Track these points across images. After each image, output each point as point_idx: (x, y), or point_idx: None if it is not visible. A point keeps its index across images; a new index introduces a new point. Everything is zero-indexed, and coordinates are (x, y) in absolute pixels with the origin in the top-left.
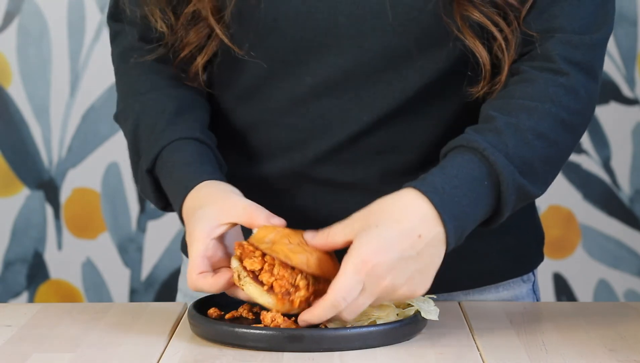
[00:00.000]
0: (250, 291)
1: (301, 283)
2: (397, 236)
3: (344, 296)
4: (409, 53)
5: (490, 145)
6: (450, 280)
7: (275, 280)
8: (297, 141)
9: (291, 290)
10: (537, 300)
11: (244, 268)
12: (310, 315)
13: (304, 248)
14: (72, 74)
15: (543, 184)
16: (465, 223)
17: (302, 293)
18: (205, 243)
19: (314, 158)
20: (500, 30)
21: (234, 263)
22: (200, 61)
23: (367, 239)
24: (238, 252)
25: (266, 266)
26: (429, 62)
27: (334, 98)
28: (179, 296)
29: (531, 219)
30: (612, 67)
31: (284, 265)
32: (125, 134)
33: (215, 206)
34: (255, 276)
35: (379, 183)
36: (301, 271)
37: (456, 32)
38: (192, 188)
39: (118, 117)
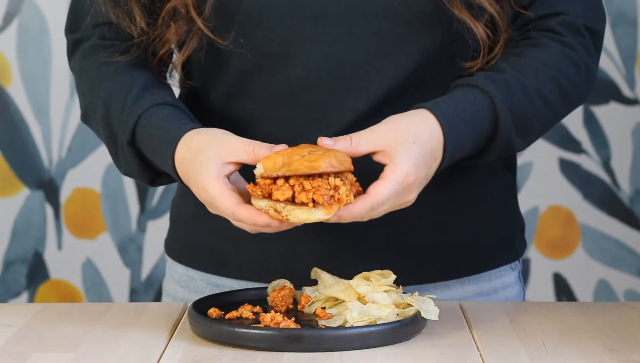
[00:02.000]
0: (299, 215)
1: (337, 181)
2: (427, 156)
3: (384, 201)
4: (400, 38)
5: (501, 95)
6: (449, 267)
7: (314, 193)
8: (292, 135)
9: (332, 193)
10: (523, 288)
11: (277, 201)
12: (350, 213)
13: (317, 154)
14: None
15: (528, 142)
16: (456, 156)
17: (343, 189)
18: (221, 180)
19: None
20: (500, 6)
21: (261, 203)
22: (181, 58)
23: (411, 154)
24: (258, 191)
25: (297, 188)
26: (420, 45)
27: (327, 88)
28: (164, 298)
29: (516, 210)
30: (612, 67)
31: (311, 177)
32: (97, 126)
33: (215, 148)
34: (292, 202)
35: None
36: (328, 174)
37: (449, 8)
38: (178, 139)
39: (86, 115)
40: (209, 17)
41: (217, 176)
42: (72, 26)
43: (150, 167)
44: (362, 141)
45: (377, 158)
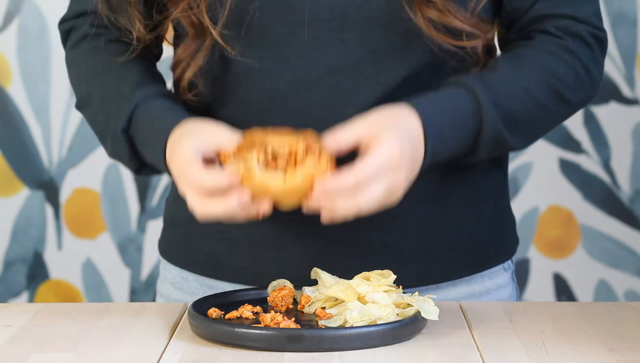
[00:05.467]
0: (263, 179)
1: (300, 145)
2: (412, 139)
3: (370, 176)
4: (391, 46)
5: (484, 89)
6: (443, 271)
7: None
8: None
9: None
10: (516, 288)
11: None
12: (331, 186)
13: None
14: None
15: (524, 139)
16: (440, 151)
17: (308, 157)
18: (194, 152)
19: None
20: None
21: (232, 164)
22: (190, 74)
23: (396, 133)
24: (230, 154)
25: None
26: (412, 54)
27: (315, 93)
28: (158, 299)
29: (508, 208)
30: (612, 67)
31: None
32: (91, 113)
33: (201, 131)
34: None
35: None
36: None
37: (425, 30)
38: (171, 130)
39: (81, 103)
40: (224, 26)
41: (194, 148)
42: (64, 16)
43: (139, 156)
44: (345, 133)
45: (363, 148)
